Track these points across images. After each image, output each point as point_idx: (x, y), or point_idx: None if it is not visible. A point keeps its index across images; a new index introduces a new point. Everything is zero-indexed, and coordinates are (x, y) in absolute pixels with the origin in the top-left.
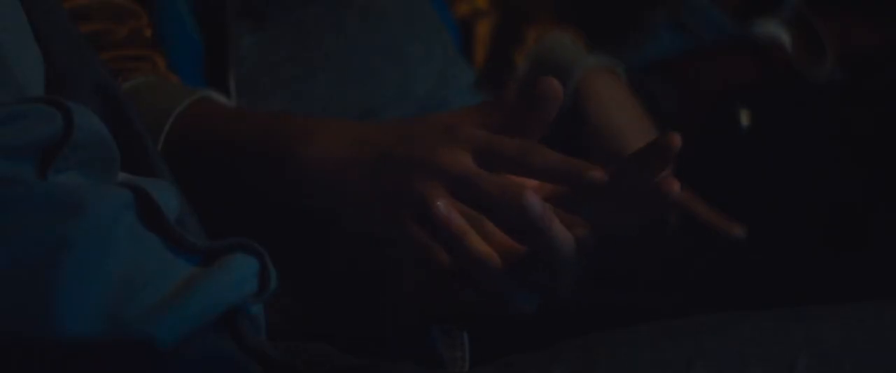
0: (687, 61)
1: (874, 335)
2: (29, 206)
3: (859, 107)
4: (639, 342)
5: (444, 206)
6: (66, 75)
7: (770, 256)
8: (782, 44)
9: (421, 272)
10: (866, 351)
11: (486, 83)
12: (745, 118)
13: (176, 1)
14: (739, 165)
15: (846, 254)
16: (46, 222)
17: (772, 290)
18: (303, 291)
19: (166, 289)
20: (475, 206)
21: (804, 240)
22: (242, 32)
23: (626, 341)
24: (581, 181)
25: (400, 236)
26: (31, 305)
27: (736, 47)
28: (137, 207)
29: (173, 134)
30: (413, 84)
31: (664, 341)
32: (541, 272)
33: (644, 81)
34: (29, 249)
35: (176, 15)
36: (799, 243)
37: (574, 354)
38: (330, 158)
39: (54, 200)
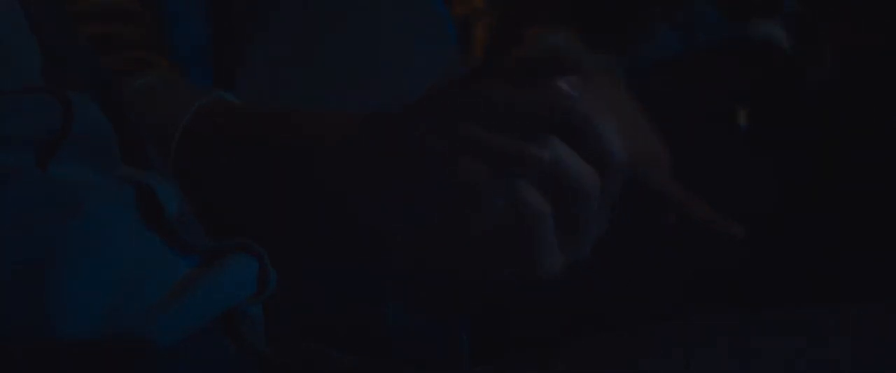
0: (686, 61)
1: (875, 338)
2: (28, 203)
3: (858, 107)
4: (638, 342)
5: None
6: (66, 72)
7: (769, 257)
8: (781, 44)
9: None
10: (867, 353)
11: None
12: (744, 118)
13: (187, 3)
14: (738, 165)
15: (846, 255)
16: (45, 221)
17: (771, 290)
18: (303, 291)
19: (165, 289)
20: None
21: (803, 240)
22: (245, 33)
23: (625, 341)
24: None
25: (513, 198)
26: (30, 304)
27: (735, 47)
28: (138, 205)
29: (193, 126)
30: (414, 85)
31: (663, 340)
32: None
33: (643, 82)
34: (28, 247)
35: (184, 17)
36: (798, 244)
37: (574, 354)
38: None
39: (53, 197)
